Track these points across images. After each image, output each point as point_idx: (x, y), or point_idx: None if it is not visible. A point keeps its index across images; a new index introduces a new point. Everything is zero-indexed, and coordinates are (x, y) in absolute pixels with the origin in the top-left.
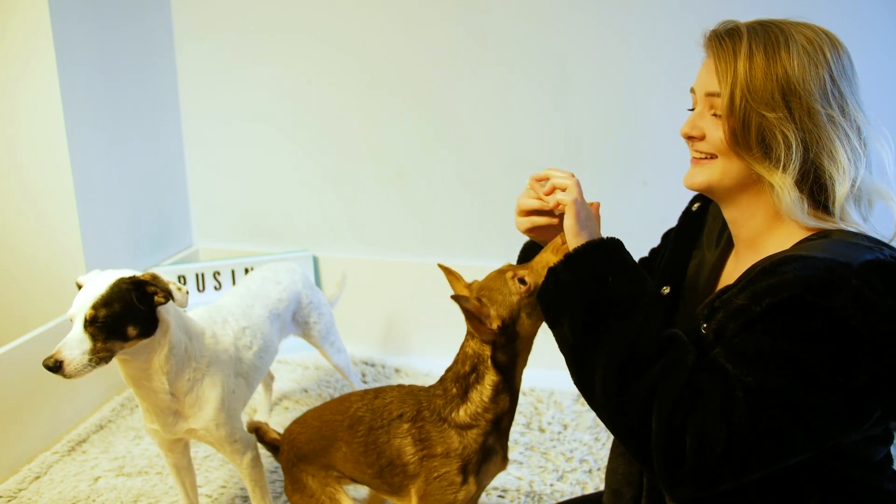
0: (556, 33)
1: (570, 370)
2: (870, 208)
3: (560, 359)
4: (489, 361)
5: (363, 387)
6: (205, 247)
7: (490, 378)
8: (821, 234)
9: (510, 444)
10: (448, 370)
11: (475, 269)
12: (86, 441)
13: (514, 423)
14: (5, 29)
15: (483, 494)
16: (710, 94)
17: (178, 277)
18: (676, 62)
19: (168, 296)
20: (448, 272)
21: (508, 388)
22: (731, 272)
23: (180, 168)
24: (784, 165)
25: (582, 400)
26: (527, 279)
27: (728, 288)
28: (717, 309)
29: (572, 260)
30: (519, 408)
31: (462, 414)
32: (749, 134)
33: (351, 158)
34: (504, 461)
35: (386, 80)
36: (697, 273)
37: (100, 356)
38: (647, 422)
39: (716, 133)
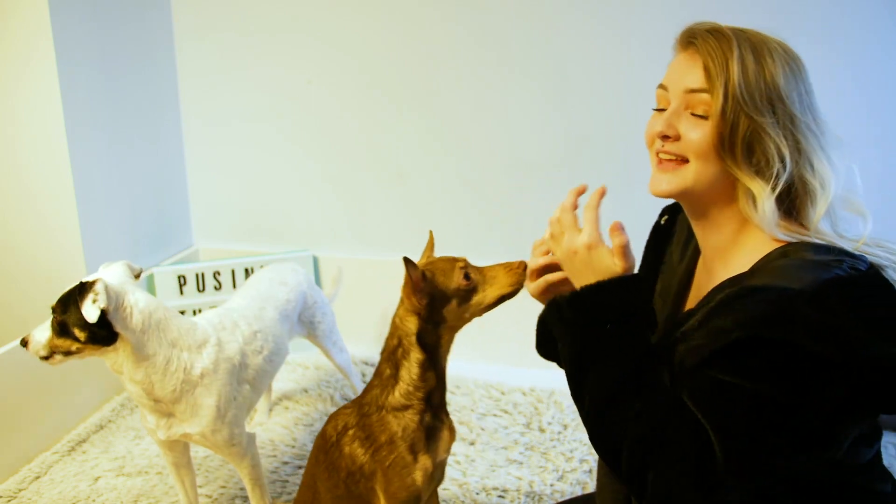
0: (556, 33)
1: (568, 384)
2: (836, 215)
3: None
4: (414, 337)
5: (363, 387)
6: (205, 247)
7: (415, 355)
8: (783, 251)
9: (512, 444)
10: (382, 351)
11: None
12: (86, 441)
13: (514, 423)
14: (5, 29)
15: (483, 494)
16: (691, 91)
17: (178, 277)
18: None
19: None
20: (430, 241)
21: (433, 366)
22: (700, 283)
23: (180, 168)
24: (770, 174)
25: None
26: (472, 276)
27: (691, 312)
28: (680, 339)
29: (577, 299)
30: (519, 408)
31: (397, 395)
32: (736, 137)
33: (351, 158)
34: (451, 432)
35: (386, 80)
36: (667, 287)
37: (55, 348)
38: (619, 453)
39: (694, 134)
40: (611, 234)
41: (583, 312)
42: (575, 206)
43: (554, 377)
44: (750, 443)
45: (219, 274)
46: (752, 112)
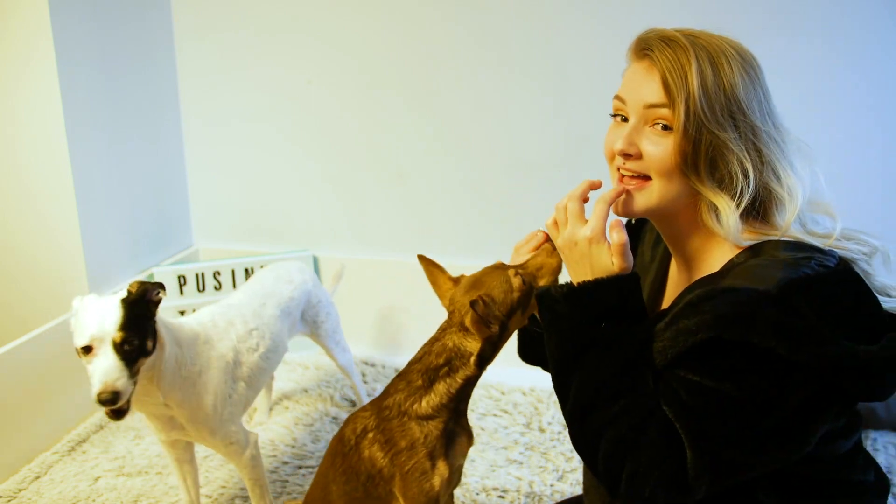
0: (557, 33)
1: (550, 374)
2: (805, 217)
3: None
4: (473, 358)
5: (364, 387)
6: (205, 247)
7: (464, 373)
8: (755, 248)
9: (512, 444)
10: (414, 362)
11: (474, 269)
12: (86, 441)
13: (514, 423)
14: (5, 29)
15: (483, 494)
16: (651, 106)
17: (178, 277)
18: None
19: (160, 289)
20: (429, 264)
21: (474, 383)
22: (675, 282)
23: (180, 168)
24: (735, 190)
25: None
26: (526, 276)
27: (662, 314)
28: (653, 338)
29: (574, 294)
30: (519, 408)
31: (424, 405)
32: (699, 154)
33: (351, 158)
34: (469, 438)
35: (386, 80)
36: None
37: (134, 380)
38: (597, 451)
39: (656, 150)
40: (610, 230)
41: (579, 309)
42: (585, 199)
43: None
44: (716, 442)
45: (219, 274)
46: (714, 128)
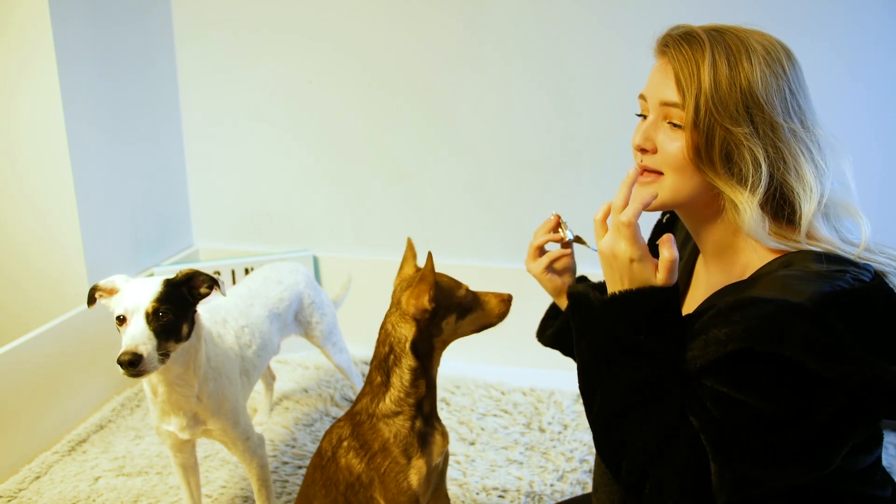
0: (558, 33)
1: (578, 377)
2: (839, 220)
3: (560, 360)
4: (408, 344)
5: None
6: (205, 247)
7: (407, 362)
8: (786, 259)
9: (512, 444)
10: (372, 360)
11: (475, 269)
12: (86, 441)
13: (514, 423)
14: (5, 29)
15: (483, 494)
16: (666, 104)
17: None
18: None
19: (212, 284)
20: (410, 250)
21: (425, 374)
22: (700, 282)
23: (180, 168)
24: (751, 184)
25: (582, 400)
26: (471, 297)
27: (691, 319)
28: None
29: (615, 304)
30: (519, 408)
31: (388, 402)
32: (713, 149)
33: (351, 158)
34: (444, 437)
35: (387, 79)
36: None
37: (161, 355)
38: (622, 458)
39: (671, 146)
40: (661, 246)
41: (617, 320)
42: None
43: (554, 377)
44: (741, 455)
45: (219, 274)
46: (727, 122)
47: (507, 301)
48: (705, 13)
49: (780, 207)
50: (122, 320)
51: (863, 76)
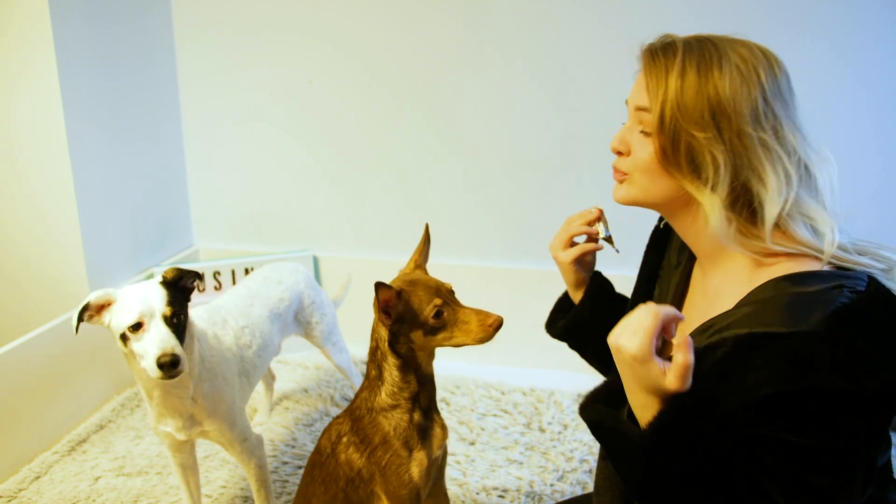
0: (559, 34)
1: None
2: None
3: (560, 360)
4: (386, 344)
5: None
6: (205, 247)
7: (391, 360)
8: (779, 283)
9: (512, 444)
10: (368, 353)
11: (475, 269)
12: (86, 441)
13: (514, 423)
14: (5, 29)
15: (483, 494)
16: (639, 109)
17: None
18: None
19: (196, 277)
20: (425, 243)
21: (413, 372)
22: (696, 287)
23: (180, 168)
24: (711, 185)
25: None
26: (444, 315)
27: (695, 332)
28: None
29: (651, 439)
30: (519, 408)
31: (384, 395)
32: (678, 152)
33: (351, 158)
34: (443, 429)
35: (387, 79)
36: (664, 291)
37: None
38: None
39: (642, 151)
40: (676, 349)
41: (653, 452)
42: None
43: (554, 377)
44: (813, 491)
45: (219, 274)
46: (692, 127)
47: (491, 326)
48: (705, 13)
49: (744, 212)
50: (137, 327)
51: (863, 76)
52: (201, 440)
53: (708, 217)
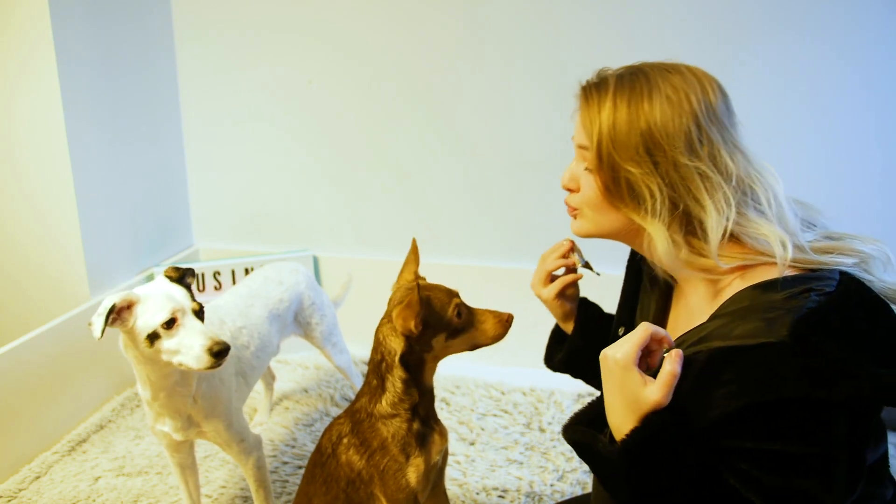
0: (559, 33)
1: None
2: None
3: None
4: (397, 358)
5: None
6: (205, 247)
7: (398, 373)
8: (746, 294)
9: (512, 444)
10: (368, 362)
11: (475, 269)
12: (86, 441)
13: (514, 423)
14: (5, 29)
15: (483, 494)
16: (580, 147)
17: None
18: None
19: (191, 274)
20: (414, 252)
21: (417, 384)
22: (679, 302)
23: (180, 168)
24: (651, 213)
25: (582, 400)
26: (463, 315)
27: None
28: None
29: (628, 455)
30: (519, 408)
31: (384, 404)
32: (620, 187)
33: (351, 158)
34: (443, 436)
35: (387, 79)
36: (646, 308)
37: None
38: None
39: (587, 188)
40: (666, 359)
41: (628, 470)
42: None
43: (554, 377)
44: (793, 497)
45: (219, 274)
46: (627, 163)
47: (505, 322)
48: (705, 13)
49: (694, 233)
50: (171, 323)
51: (863, 76)
52: (200, 440)
53: (653, 245)
